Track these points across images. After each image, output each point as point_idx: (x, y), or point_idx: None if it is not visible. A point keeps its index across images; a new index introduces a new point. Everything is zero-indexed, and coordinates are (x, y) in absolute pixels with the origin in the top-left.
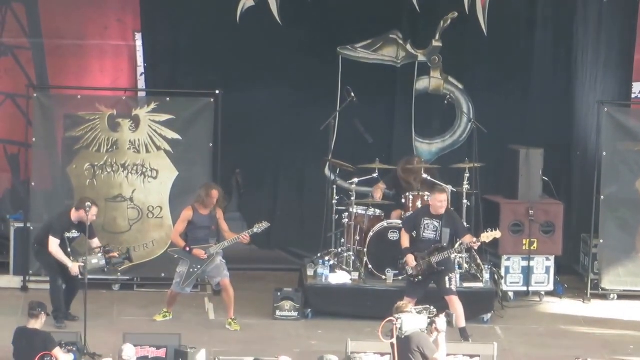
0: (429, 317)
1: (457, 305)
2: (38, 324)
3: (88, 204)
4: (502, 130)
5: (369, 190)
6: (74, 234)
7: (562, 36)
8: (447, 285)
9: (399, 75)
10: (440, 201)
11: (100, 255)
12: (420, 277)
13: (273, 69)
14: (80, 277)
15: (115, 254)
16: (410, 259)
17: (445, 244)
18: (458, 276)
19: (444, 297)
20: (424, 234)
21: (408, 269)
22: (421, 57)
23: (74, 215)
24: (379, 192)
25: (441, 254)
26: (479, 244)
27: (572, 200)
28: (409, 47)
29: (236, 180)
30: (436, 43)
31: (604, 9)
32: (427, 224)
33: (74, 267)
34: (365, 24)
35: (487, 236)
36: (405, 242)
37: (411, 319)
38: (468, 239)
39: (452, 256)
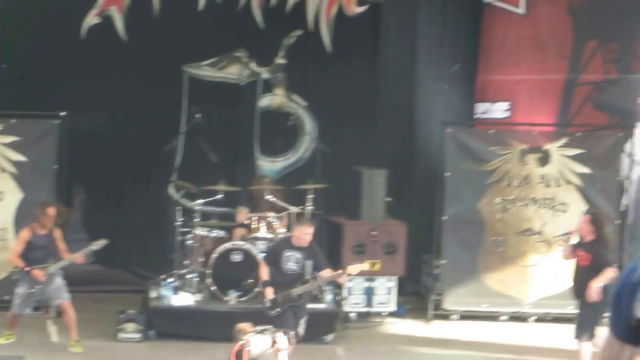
0: (270, 337)
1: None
2: None
3: None
4: (346, 150)
5: (218, 211)
6: None
7: (405, 54)
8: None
9: (243, 93)
10: (307, 233)
11: None
12: (278, 310)
13: (119, 87)
14: None
15: None
16: (269, 292)
17: (308, 277)
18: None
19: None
20: (287, 266)
21: (266, 302)
22: (265, 75)
23: None
24: (243, 217)
25: (303, 287)
26: (345, 276)
27: (414, 220)
28: (253, 65)
29: (79, 200)
30: (280, 60)
31: (446, 27)
32: (289, 255)
33: None
34: (210, 41)
35: (354, 268)
36: (265, 274)
37: (258, 340)
38: (328, 272)
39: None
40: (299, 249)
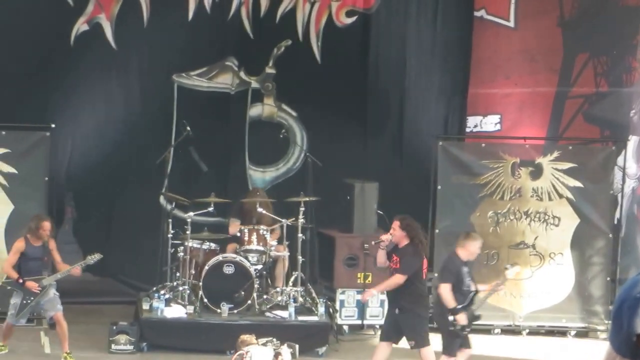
0: (273, 349)
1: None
2: None
3: None
4: (337, 161)
5: (209, 221)
6: None
7: (395, 65)
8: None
9: (233, 102)
10: (479, 247)
11: None
12: (467, 331)
13: (108, 95)
14: None
15: None
16: (463, 317)
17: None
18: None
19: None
20: (466, 282)
21: (457, 326)
22: (254, 84)
23: None
24: (235, 228)
25: (476, 304)
26: (503, 285)
27: None
28: (242, 73)
29: (70, 209)
30: (269, 70)
31: (436, 39)
32: (466, 272)
33: None
34: (200, 51)
35: (511, 272)
36: (452, 299)
37: (259, 351)
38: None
39: None
40: (467, 263)
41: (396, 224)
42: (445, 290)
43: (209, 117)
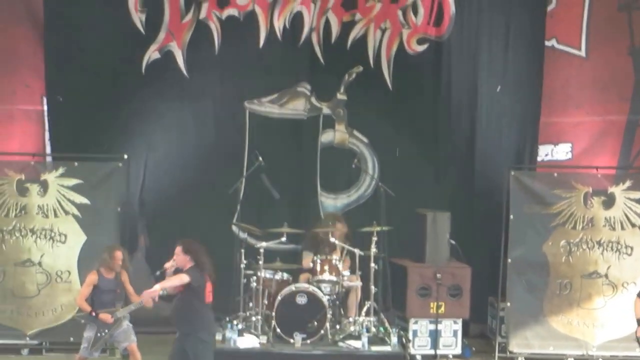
0: None
1: None
2: None
3: None
4: (408, 189)
5: (282, 248)
6: None
7: (467, 93)
8: None
9: (304, 128)
10: None
11: None
12: None
13: (180, 123)
14: None
15: None
16: None
17: None
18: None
19: None
20: None
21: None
22: (326, 110)
23: None
24: (307, 262)
25: None
26: None
27: (479, 263)
28: (313, 99)
29: (143, 237)
30: (341, 96)
31: (508, 68)
32: None
33: None
34: (271, 78)
35: None
36: None
37: None
38: None
39: None
40: None
41: (179, 249)
42: (636, 303)
43: (280, 143)
